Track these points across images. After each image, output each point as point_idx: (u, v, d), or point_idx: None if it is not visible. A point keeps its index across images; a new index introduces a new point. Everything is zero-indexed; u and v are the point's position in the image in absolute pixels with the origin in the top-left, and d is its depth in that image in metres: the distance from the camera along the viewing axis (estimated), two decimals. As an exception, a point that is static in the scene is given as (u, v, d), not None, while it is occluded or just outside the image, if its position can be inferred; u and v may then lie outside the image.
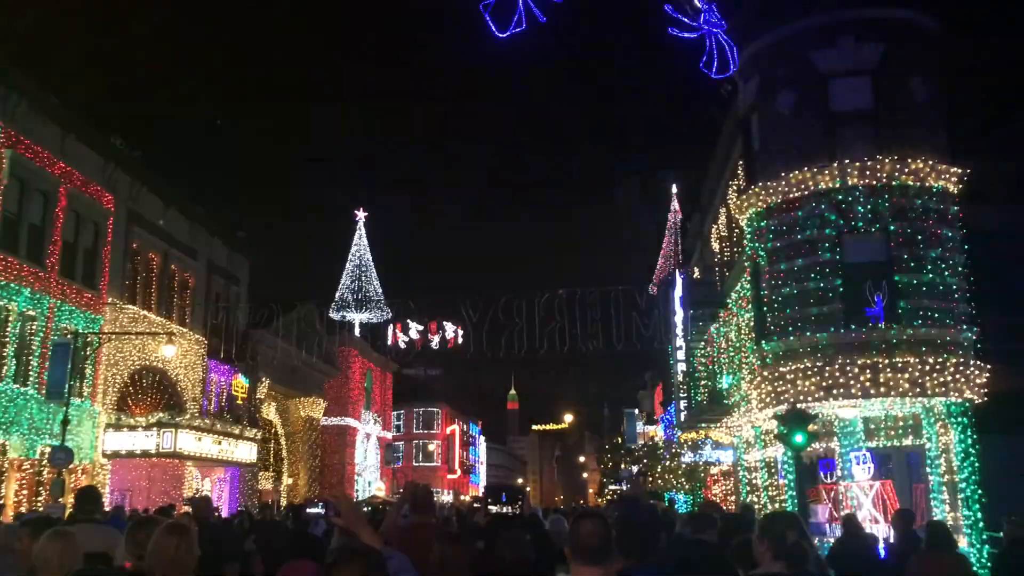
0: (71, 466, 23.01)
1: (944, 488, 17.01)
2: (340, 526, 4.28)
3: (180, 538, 3.96)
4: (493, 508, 10.61)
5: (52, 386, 22.71)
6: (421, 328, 57.99)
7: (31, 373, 23.37)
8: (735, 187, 23.17)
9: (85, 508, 6.94)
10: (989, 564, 15.20)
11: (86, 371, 25.65)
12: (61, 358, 22.67)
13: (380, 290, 60.33)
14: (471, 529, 8.75)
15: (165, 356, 27.85)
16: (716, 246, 28.32)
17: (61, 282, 24.73)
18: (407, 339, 56.63)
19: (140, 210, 29.01)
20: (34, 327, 23.64)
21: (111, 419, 26.72)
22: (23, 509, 20.66)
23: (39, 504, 21.92)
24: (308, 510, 20.08)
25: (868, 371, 16.43)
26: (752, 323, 20.95)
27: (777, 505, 20.31)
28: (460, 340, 57.53)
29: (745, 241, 21.20)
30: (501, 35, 15.80)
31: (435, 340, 56.66)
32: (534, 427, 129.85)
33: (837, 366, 16.70)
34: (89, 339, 25.30)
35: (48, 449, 22.56)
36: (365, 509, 23.73)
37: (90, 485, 21.02)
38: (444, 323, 57.49)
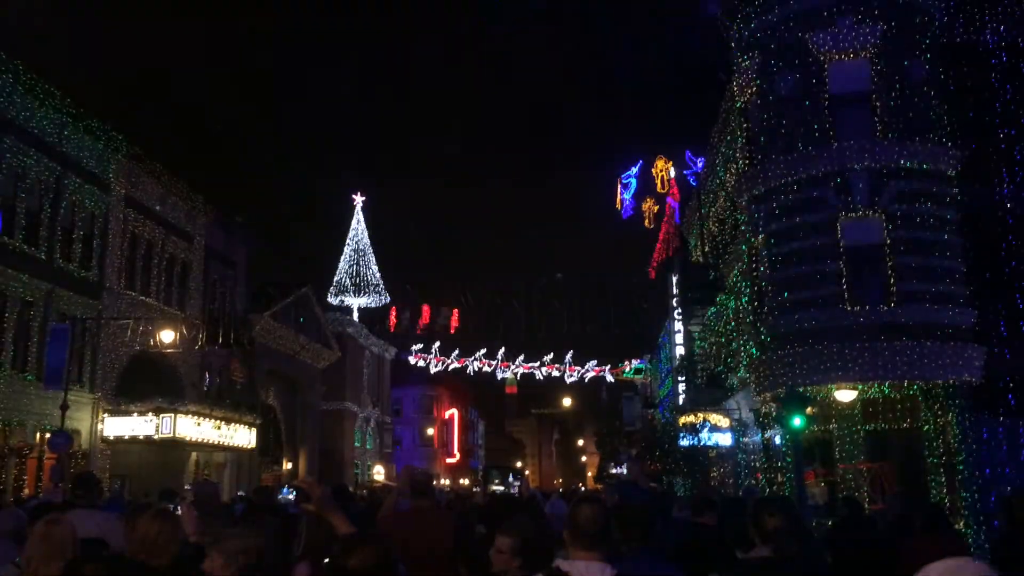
0: (70, 451, 23.05)
1: (941, 470, 17.08)
2: (312, 512, 4.27)
3: (161, 523, 4.15)
4: (496, 486, 10.67)
5: (51, 371, 22.73)
6: (420, 312, 58.19)
7: (30, 358, 23.39)
8: (734, 170, 23.12)
9: (82, 493, 6.93)
10: (987, 546, 15.28)
11: (85, 356, 25.68)
12: (59, 343, 22.68)
13: (378, 274, 60.36)
14: (470, 511, 8.76)
15: (163, 341, 27.85)
16: (715, 229, 28.30)
17: (59, 268, 24.71)
18: (406, 322, 56.81)
19: (138, 195, 28.95)
20: (32, 312, 23.64)
21: (110, 404, 26.76)
22: (23, 495, 20.71)
23: (39, 490, 21.98)
24: (283, 495, 20.04)
25: (866, 353, 16.45)
26: (750, 306, 20.96)
27: (775, 488, 20.39)
28: (459, 323, 57.73)
29: (743, 224, 21.18)
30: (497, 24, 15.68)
31: (434, 323, 56.83)
32: (533, 411, 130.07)
33: (835, 349, 16.72)
34: (87, 324, 25.31)
35: (47, 434, 22.60)
36: (363, 493, 23.79)
37: (87, 471, 21.08)
38: (443, 307, 57.68)
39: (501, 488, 46.39)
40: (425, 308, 58.58)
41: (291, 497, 20.00)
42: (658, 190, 36.46)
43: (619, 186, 39.91)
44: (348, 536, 3.20)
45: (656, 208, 38.96)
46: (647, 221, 38.82)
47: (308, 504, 4.14)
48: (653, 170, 36.71)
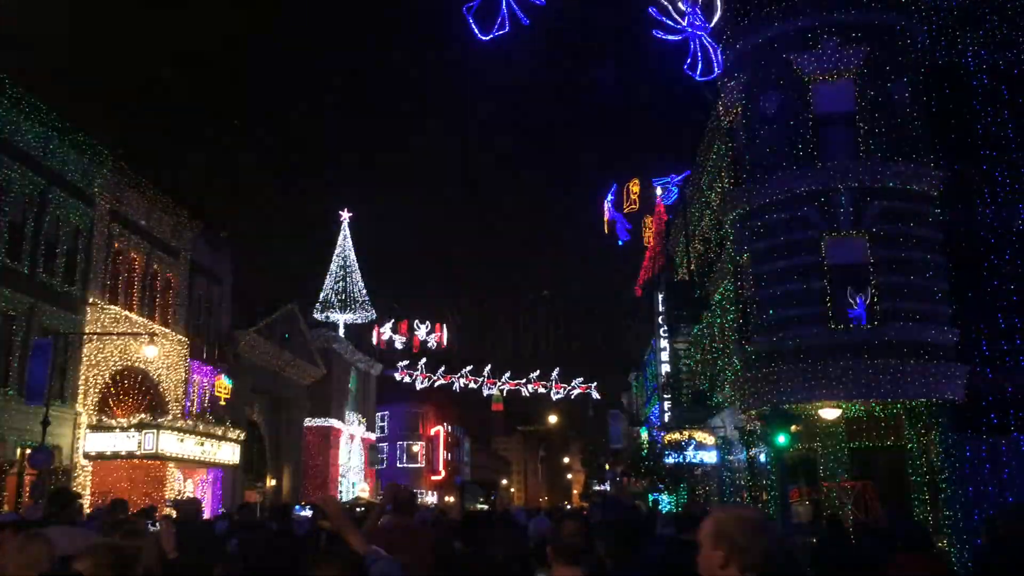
0: (51, 467, 22.81)
1: (925, 488, 17.14)
2: (328, 529, 4.27)
3: (121, 538, 4.09)
4: (480, 505, 10.65)
5: (32, 386, 22.51)
6: (406, 328, 58.11)
7: (11, 373, 23.19)
8: (719, 188, 23.26)
9: (57, 510, 6.85)
10: (970, 564, 15.31)
11: (67, 371, 25.47)
12: (41, 358, 22.49)
13: (364, 291, 60.21)
14: (447, 526, 8.72)
15: (147, 357, 27.68)
16: (700, 247, 28.43)
17: (42, 282, 24.55)
18: (391, 339, 56.69)
19: (123, 210, 28.83)
20: (14, 327, 23.46)
21: (92, 420, 26.53)
22: (2, 511, 20.48)
23: (19, 506, 21.73)
24: (298, 513, 19.90)
25: (850, 372, 16.53)
26: (735, 324, 21.04)
27: (760, 506, 20.39)
28: (445, 340, 57.71)
29: (728, 242, 21.29)
30: (484, 37, 15.85)
31: (420, 340, 56.74)
32: (519, 428, 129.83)
33: (819, 367, 16.79)
34: (70, 339, 25.13)
35: (28, 450, 22.38)
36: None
37: (64, 487, 20.87)
38: (429, 324, 57.63)
39: (486, 507, 46.08)
40: (411, 324, 58.51)
41: (303, 515, 19.83)
42: (625, 209, 37.73)
43: (606, 208, 40.23)
44: (319, 553, 3.18)
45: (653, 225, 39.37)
46: (647, 239, 39.30)
47: (324, 521, 4.13)
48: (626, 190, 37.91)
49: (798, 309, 17.46)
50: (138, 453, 26.76)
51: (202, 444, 30.02)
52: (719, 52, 20.33)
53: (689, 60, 20.22)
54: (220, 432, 32.17)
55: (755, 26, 19.17)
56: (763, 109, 18.80)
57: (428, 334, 56.43)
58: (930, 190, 17.63)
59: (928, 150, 18.02)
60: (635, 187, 37.79)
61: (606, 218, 39.49)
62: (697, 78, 20.39)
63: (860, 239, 17.41)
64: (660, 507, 31.16)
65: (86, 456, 26.24)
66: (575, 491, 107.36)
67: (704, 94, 22.82)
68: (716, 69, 20.32)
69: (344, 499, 47.54)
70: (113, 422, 26.90)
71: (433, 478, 74.41)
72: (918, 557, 7.01)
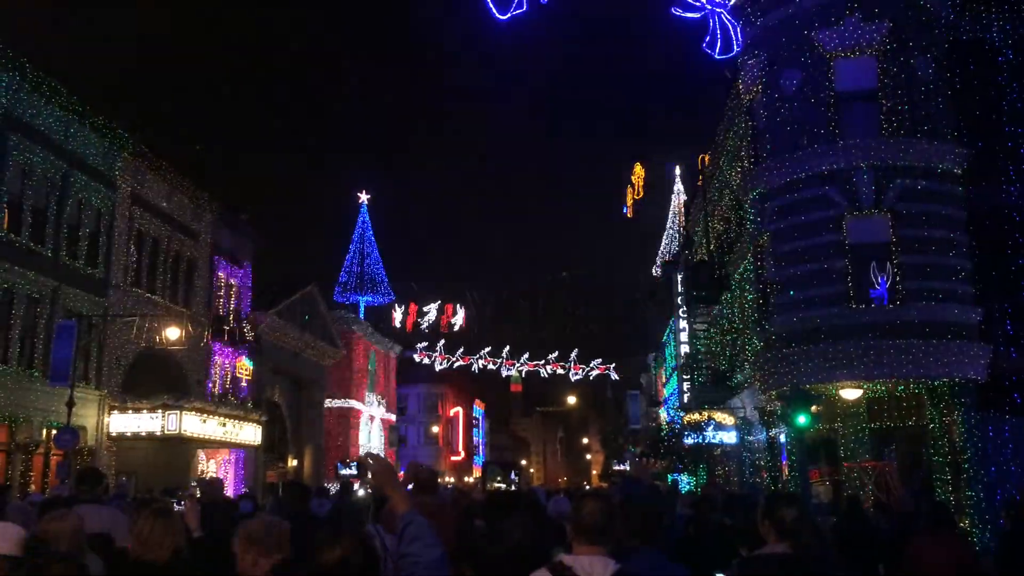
0: (76, 448, 23.12)
1: (946, 469, 17.04)
2: (373, 486, 4.30)
3: (155, 520, 4.20)
4: (498, 484, 10.70)
5: (57, 368, 22.78)
6: (425, 310, 58.32)
7: (36, 355, 23.46)
8: (739, 168, 23.08)
9: (87, 488, 6.96)
10: (992, 544, 15.25)
11: (91, 353, 25.74)
12: (65, 340, 22.72)
13: (383, 272, 60.43)
14: (469, 506, 8.76)
15: (169, 338, 27.90)
16: (720, 227, 28.27)
17: (65, 265, 24.77)
18: (411, 320, 56.90)
19: (144, 193, 29.00)
20: (39, 309, 23.71)
21: (116, 401, 26.83)
22: (29, 491, 20.78)
23: (45, 486, 22.06)
24: (341, 471, 20.05)
25: (871, 352, 16.41)
26: (756, 304, 20.93)
27: (780, 487, 20.36)
28: (464, 321, 57.88)
29: (749, 222, 21.15)
30: (502, 16, 15.76)
31: (439, 321, 56.93)
32: (538, 408, 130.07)
33: (840, 347, 16.68)
34: (93, 321, 25.37)
35: (53, 431, 22.67)
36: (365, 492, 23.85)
37: (91, 466, 21.14)
38: (448, 305, 57.81)
39: (503, 486, 46.10)
40: (431, 306, 58.73)
41: (347, 472, 19.97)
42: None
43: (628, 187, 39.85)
44: (323, 533, 3.17)
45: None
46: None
47: (370, 478, 4.15)
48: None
49: (819, 289, 17.32)
50: (161, 434, 27.05)
51: (224, 425, 30.30)
52: (739, 29, 20.12)
53: (708, 38, 20.05)
54: (242, 413, 32.45)
55: (776, 2, 18.93)
56: (784, 86, 18.59)
57: (447, 315, 56.63)
58: (954, 168, 17.41)
59: (952, 127, 17.78)
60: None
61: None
62: (716, 56, 20.22)
63: (882, 218, 17.23)
64: (680, 488, 31.22)
65: (110, 437, 26.56)
66: (594, 471, 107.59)
67: (724, 72, 22.64)
68: (735, 47, 20.13)
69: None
70: (136, 403, 27.19)
71: (453, 458, 74.82)
72: (944, 536, 7.00)
